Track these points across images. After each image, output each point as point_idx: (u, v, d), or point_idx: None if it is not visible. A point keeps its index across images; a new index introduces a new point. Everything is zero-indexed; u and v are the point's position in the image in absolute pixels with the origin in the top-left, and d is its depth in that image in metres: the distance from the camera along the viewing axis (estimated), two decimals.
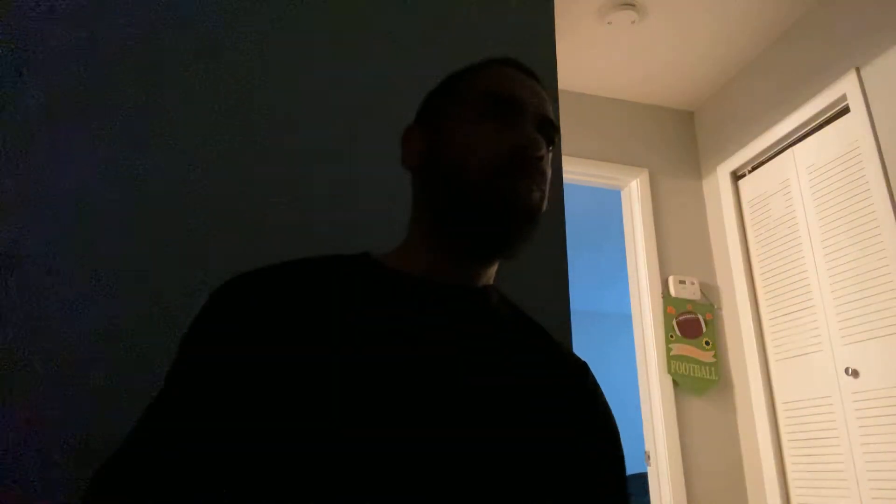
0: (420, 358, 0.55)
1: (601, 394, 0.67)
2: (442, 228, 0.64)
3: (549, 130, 0.66)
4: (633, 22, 2.74)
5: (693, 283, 2.96)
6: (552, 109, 0.69)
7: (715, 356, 2.87)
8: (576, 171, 3.03)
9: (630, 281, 3.04)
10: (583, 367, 0.68)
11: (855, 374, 2.29)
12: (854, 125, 2.41)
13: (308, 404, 0.50)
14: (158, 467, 0.51)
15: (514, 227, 0.61)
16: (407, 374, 0.54)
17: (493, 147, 0.61)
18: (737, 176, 3.04)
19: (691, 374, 2.80)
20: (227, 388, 0.52)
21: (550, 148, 0.68)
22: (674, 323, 2.86)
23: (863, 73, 2.40)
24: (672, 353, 2.81)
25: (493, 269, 0.68)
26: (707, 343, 2.89)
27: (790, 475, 2.54)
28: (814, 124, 2.64)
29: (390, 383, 0.53)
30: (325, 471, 0.48)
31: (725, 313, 2.95)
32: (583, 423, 0.62)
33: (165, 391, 0.56)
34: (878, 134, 2.31)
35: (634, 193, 3.11)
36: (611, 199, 3.34)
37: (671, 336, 2.84)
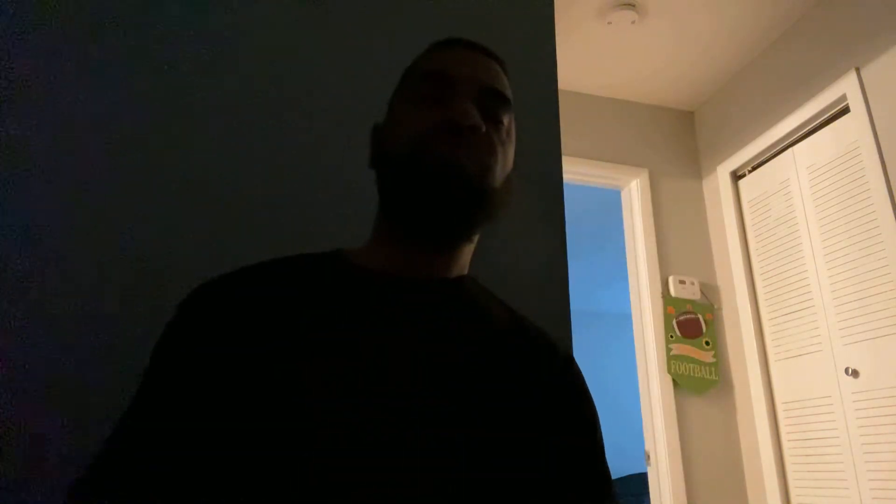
0: (380, 358, 0.53)
1: (580, 386, 0.64)
2: (386, 218, 0.63)
3: (494, 102, 0.62)
4: (633, 22, 2.74)
5: (693, 283, 2.96)
6: (502, 82, 0.65)
7: (715, 356, 2.87)
8: (576, 171, 3.03)
9: (630, 281, 3.04)
10: (565, 360, 0.65)
11: (855, 374, 2.29)
12: (854, 125, 2.41)
13: (282, 408, 0.49)
14: (140, 472, 0.51)
15: (448, 202, 0.56)
16: (366, 376, 0.52)
17: (418, 124, 0.59)
18: (737, 176, 3.04)
19: (691, 374, 2.81)
20: (204, 394, 0.51)
21: (500, 122, 0.62)
22: (674, 323, 2.86)
23: (863, 73, 2.40)
24: (672, 353, 2.81)
25: (462, 258, 0.64)
26: (707, 343, 2.89)
27: (790, 475, 2.54)
28: (814, 124, 2.64)
29: (353, 387, 0.51)
30: (300, 472, 0.47)
31: (725, 313, 2.95)
32: (557, 417, 0.58)
33: (140, 399, 0.54)
34: (878, 134, 2.30)
35: (634, 193, 3.11)
36: (611, 199, 3.34)
37: (671, 336, 2.84)
